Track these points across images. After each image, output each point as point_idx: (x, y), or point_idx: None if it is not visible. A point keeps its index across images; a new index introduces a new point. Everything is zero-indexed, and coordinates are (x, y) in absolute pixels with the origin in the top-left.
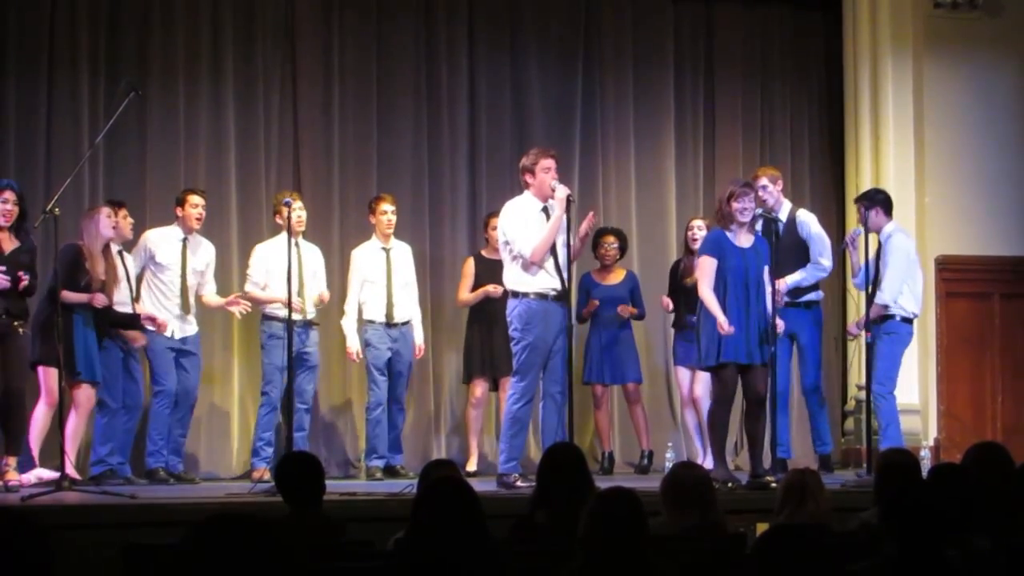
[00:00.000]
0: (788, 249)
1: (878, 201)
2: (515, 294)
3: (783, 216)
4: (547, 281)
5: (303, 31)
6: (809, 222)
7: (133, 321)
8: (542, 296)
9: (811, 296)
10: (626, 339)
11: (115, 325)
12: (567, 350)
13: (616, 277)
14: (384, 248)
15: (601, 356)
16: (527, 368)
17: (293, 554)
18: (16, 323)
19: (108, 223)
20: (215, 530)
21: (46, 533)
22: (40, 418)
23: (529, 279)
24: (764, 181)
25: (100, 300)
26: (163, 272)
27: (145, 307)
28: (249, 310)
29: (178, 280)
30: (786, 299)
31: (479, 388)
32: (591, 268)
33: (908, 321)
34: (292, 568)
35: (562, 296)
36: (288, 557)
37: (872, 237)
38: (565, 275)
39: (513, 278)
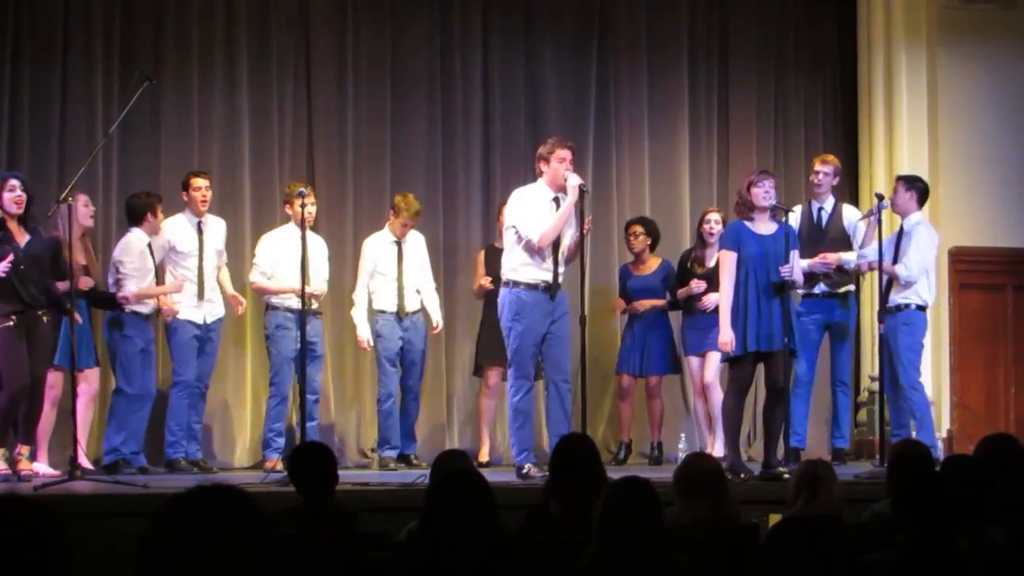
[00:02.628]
0: (834, 240)
1: (917, 187)
2: (506, 283)
3: (827, 207)
4: (541, 272)
5: (317, 20)
6: (856, 222)
7: (111, 302)
8: (532, 287)
9: (849, 286)
10: (660, 331)
11: (97, 306)
12: (567, 338)
13: (650, 267)
14: (396, 241)
15: (633, 347)
16: (519, 358)
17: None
18: (40, 312)
19: (86, 212)
20: (194, 500)
21: (60, 522)
22: (43, 415)
23: (524, 268)
24: (828, 168)
25: (86, 282)
26: (185, 260)
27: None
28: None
29: (195, 264)
30: (823, 288)
31: (493, 377)
32: (627, 260)
33: (923, 309)
34: (270, 540)
35: (552, 288)
36: (265, 528)
37: (894, 219)
38: (562, 269)
39: (510, 265)
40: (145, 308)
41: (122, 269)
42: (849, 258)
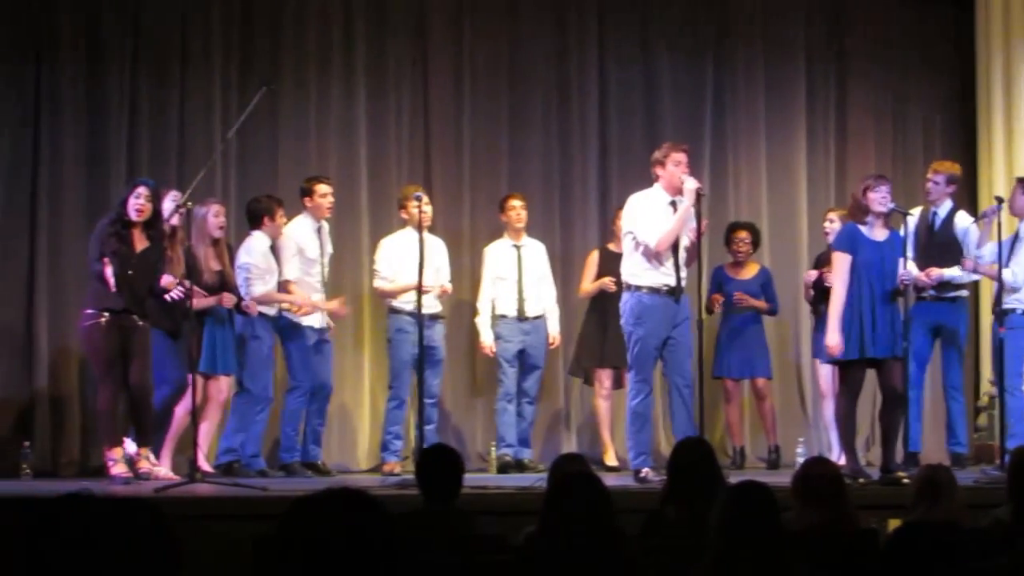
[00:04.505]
0: (941, 245)
1: None
2: (628, 287)
3: (941, 213)
4: (662, 276)
5: (434, 27)
6: (968, 227)
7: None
8: (655, 291)
9: (960, 291)
10: (756, 334)
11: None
12: (689, 343)
13: (749, 272)
14: (516, 245)
15: (730, 350)
16: (640, 362)
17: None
18: (134, 316)
19: (215, 222)
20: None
21: (170, 522)
22: (177, 419)
23: (645, 272)
24: (939, 177)
25: (228, 300)
26: (312, 266)
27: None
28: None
29: (320, 270)
30: (932, 292)
31: (607, 379)
32: (724, 262)
33: None
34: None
35: (675, 291)
36: (392, 533)
37: (1013, 222)
38: (684, 273)
39: (630, 270)
40: (271, 310)
41: (246, 273)
42: (953, 273)
